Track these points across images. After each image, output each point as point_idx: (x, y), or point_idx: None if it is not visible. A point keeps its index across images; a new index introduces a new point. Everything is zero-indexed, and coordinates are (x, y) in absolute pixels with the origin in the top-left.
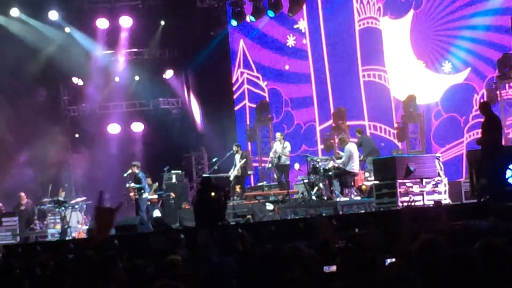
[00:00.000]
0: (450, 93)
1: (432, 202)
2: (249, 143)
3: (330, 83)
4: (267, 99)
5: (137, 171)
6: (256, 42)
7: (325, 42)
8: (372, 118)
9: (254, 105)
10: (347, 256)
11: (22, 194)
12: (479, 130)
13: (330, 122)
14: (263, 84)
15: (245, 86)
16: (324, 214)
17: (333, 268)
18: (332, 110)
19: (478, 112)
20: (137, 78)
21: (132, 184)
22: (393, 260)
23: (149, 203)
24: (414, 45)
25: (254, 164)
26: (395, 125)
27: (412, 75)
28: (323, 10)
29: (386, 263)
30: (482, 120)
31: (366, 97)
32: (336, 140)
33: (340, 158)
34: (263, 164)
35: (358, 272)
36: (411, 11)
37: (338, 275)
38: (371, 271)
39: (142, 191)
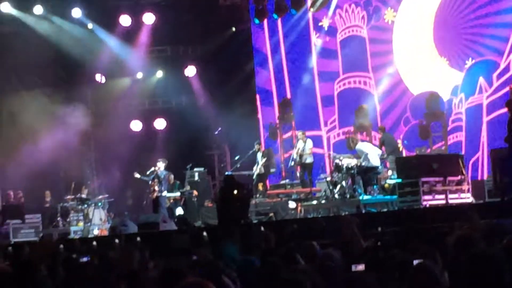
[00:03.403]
0: (418, 100)
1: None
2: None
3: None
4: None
5: (159, 169)
6: None
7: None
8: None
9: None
10: (376, 255)
11: (47, 192)
12: (459, 133)
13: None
14: None
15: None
16: (346, 213)
17: (361, 267)
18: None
19: (457, 116)
20: (159, 75)
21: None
22: (421, 260)
23: (172, 201)
24: (437, 42)
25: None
26: (419, 122)
27: (432, 71)
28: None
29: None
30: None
31: (345, 104)
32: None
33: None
34: (285, 162)
35: (388, 271)
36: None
37: (368, 273)
38: (401, 270)
39: (162, 188)
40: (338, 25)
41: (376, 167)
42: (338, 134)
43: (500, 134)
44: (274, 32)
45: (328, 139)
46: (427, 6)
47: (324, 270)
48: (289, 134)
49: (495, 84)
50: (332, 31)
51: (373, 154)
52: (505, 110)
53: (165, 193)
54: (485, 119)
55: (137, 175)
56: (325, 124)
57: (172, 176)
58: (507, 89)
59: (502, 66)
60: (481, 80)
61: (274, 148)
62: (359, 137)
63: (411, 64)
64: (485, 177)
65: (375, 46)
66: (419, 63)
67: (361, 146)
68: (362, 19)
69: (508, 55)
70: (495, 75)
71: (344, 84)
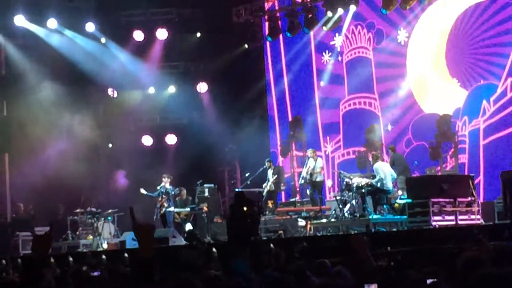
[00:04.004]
0: (420, 122)
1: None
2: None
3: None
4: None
5: (167, 185)
6: None
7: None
8: (359, 144)
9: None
10: (389, 275)
11: (61, 205)
12: (462, 156)
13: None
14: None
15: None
16: (356, 231)
17: (374, 286)
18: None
19: (461, 138)
20: (171, 90)
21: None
22: (435, 280)
23: (183, 216)
24: (450, 63)
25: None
26: (429, 143)
27: (443, 92)
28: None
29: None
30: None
31: (350, 124)
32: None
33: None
34: (296, 180)
35: None
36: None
37: None
38: None
39: (170, 203)
40: (344, 46)
41: (388, 191)
42: (343, 154)
43: (496, 158)
44: (284, 51)
45: (333, 159)
46: (441, 27)
47: None
48: (300, 153)
49: (492, 108)
50: (340, 51)
51: (389, 179)
52: (500, 134)
53: (171, 209)
54: (482, 142)
55: (143, 191)
56: (326, 145)
57: (184, 192)
58: (504, 113)
59: (499, 90)
60: (485, 103)
61: (284, 165)
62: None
63: (423, 85)
64: (481, 200)
65: (385, 67)
66: (431, 83)
67: (380, 166)
68: (368, 40)
69: (505, 81)
70: (492, 99)
71: (349, 105)
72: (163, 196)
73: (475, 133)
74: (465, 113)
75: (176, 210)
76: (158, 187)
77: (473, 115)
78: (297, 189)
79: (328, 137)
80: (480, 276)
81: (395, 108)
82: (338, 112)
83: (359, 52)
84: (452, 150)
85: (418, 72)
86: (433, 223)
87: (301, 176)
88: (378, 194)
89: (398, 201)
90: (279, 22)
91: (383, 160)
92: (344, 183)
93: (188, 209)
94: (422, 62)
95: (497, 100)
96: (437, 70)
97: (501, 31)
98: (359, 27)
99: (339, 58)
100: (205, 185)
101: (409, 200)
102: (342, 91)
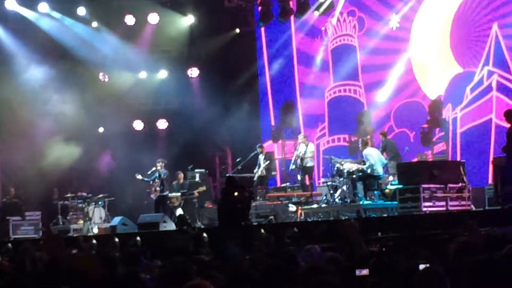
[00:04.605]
0: (403, 109)
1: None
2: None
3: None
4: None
5: (159, 168)
6: None
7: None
8: (344, 132)
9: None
10: (381, 260)
11: (55, 189)
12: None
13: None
14: None
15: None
16: (346, 217)
17: (365, 271)
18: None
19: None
20: (163, 75)
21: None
22: (427, 265)
23: (180, 200)
24: (454, 48)
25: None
26: (421, 129)
27: (448, 77)
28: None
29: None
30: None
31: (335, 111)
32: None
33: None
34: (286, 165)
35: (393, 276)
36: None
37: (372, 279)
38: (406, 276)
39: (164, 187)
40: (329, 33)
41: (379, 176)
42: (328, 142)
43: (472, 146)
44: (274, 37)
45: (318, 146)
46: (445, 11)
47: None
48: (291, 139)
49: (469, 96)
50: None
51: (378, 165)
52: (476, 123)
53: (166, 193)
54: (459, 130)
55: (139, 177)
56: (308, 131)
57: (182, 175)
58: (479, 102)
59: (476, 79)
60: (467, 91)
61: (275, 151)
62: (369, 142)
63: (420, 71)
64: None
65: (371, 54)
66: (430, 70)
67: (370, 152)
68: (354, 28)
69: (482, 70)
70: (469, 87)
71: (334, 92)
72: (156, 180)
73: (456, 121)
74: (449, 100)
75: (171, 194)
76: (149, 172)
77: (456, 102)
78: (277, 173)
79: (319, 123)
80: (472, 262)
81: (380, 95)
82: (323, 100)
83: (344, 39)
84: (437, 136)
85: (418, 57)
86: (424, 209)
87: (292, 161)
88: (368, 179)
89: (389, 186)
90: (271, 7)
91: (373, 146)
92: (335, 168)
93: (179, 194)
94: (422, 48)
95: (474, 89)
96: (440, 56)
97: (485, 21)
98: (344, 14)
99: (329, 45)
100: (196, 170)
101: (400, 186)
102: (328, 79)
